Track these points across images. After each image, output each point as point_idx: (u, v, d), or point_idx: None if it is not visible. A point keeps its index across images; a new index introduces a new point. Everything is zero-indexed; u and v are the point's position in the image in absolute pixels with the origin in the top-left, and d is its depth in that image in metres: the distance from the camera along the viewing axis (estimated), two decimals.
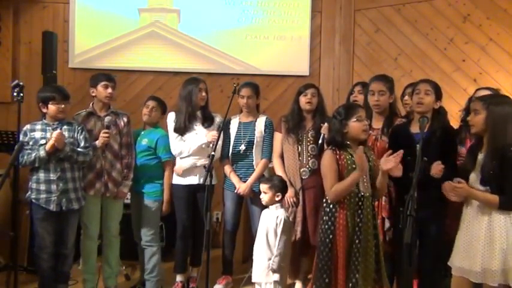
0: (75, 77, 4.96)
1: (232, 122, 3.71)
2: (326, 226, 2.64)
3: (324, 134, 3.25)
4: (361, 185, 2.64)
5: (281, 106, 4.59)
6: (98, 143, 3.24)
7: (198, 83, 3.54)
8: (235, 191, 3.60)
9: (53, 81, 4.14)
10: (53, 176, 3.05)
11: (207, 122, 3.58)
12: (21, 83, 2.89)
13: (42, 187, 3.04)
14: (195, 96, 3.50)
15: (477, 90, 3.26)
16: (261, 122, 3.66)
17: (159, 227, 3.68)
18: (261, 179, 3.42)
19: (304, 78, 4.79)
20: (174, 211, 3.63)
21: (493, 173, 2.36)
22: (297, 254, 3.45)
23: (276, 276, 3.02)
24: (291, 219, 3.32)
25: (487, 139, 2.44)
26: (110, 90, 3.32)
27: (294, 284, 3.65)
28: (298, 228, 3.43)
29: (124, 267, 3.87)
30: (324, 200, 2.71)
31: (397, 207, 2.97)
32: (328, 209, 2.66)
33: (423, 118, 2.69)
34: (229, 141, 3.67)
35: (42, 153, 2.98)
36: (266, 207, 3.18)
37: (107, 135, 3.24)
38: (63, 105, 3.09)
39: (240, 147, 3.62)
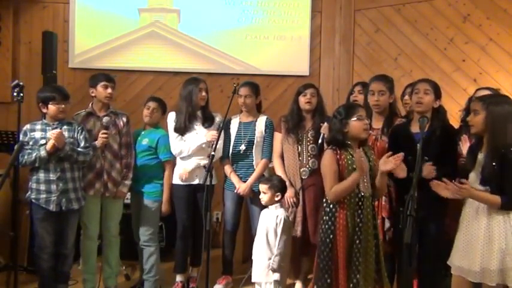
0: (75, 77, 4.96)
1: (232, 121, 3.72)
2: (326, 226, 2.64)
3: (323, 134, 3.25)
4: (361, 185, 2.64)
5: (281, 106, 4.59)
6: (97, 143, 3.24)
7: (198, 83, 3.54)
8: (235, 191, 3.60)
9: (53, 81, 4.14)
10: (52, 176, 3.05)
11: (208, 122, 3.58)
12: (21, 83, 2.89)
13: (42, 187, 3.05)
14: (195, 96, 3.50)
15: (477, 90, 3.26)
16: (261, 122, 3.66)
17: (159, 227, 3.68)
18: (260, 179, 3.42)
19: (304, 78, 4.79)
20: (174, 211, 3.63)
21: (493, 173, 2.36)
22: (297, 254, 3.45)
23: (276, 276, 3.02)
24: (291, 219, 3.32)
25: (486, 139, 2.44)
26: (109, 90, 3.32)
27: (294, 284, 3.65)
28: (299, 228, 3.43)
29: (124, 267, 3.87)
30: (324, 200, 2.71)
31: (397, 207, 2.97)
32: (328, 209, 2.66)
33: (423, 118, 2.69)
34: (230, 141, 3.67)
35: (42, 153, 2.98)
36: (266, 207, 3.18)
37: (105, 135, 3.24)
38: (63, 105, 3.09)
39: (240, 147, 3.62)
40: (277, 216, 3.07)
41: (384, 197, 3.02)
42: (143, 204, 3.49)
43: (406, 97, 3.53)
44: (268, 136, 3.63)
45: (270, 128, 3.65)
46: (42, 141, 3.03)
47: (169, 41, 5.06)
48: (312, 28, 5.08)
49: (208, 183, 3.09)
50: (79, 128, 3.18)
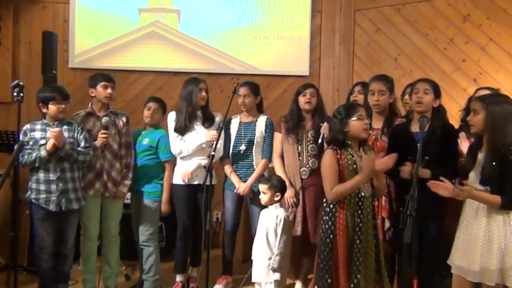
0: (75, 77, 4.96)
1: (232, 121, 3.72)
2: (326, 226, 2.64)
3: (323, 134, 3.25)
4: (361, 185, 2.64)
5: (281, 106, 4.59)
6: (96, 143, 3.24)
7: (199, 83, 3.54)
8: (235, 191, 3.60)
9: (53, 81, 4.14)
10: (52, 176, 3.05)
11: (208, 122, 3.58)
12: (21, 83, 2.89)
13: (42, 187, 3.04)
14: (196, 96, 3.50)
15: (477, 90, 3.26)
16: (261, 122, 3.66)
17: (159, 227, 3.68)
18: (260, 179, 3.42)
19: (304, 78, 4.79)
20: (174, 211, 3.63)
21: (493, 173, 2.36)
22: (297, 254, 3.45)
23: (277, 276, 3.02)
24: (290, 219, 3.32)
25: (486, 139, 2.44)
26: (109, 90, 3.32)
27: (294, 284, 3.65)
28: (299, 228, 3.43)
29: (124, 267, 3.87)
30: (324, 200, 2.71)
31: (397, 207, 2.97)
32: (328, 209, 2.66)
33: (423, 118, 2.69)
34: (230, 141, 3.67)
35: (43, 153, 2.98)
36: (266, 207, 3.18)
37: (105, 135, 3.24)
38: (63, 106, 3.09)
39: (241, 147, 3.62)
40: (277, 216, 3.07)
41: (383, 197, 3.02)
42: (143, 204, 3.49)
43: (406, 97, 3.53)
44: (268, 136, 3.63)
45: (270, 128, 3.65)
46: (42, 141, 3.03)
47: (169, 41, 5.06)
48: (312, 28, 5.08)
49: (208, 183, 3.09)
50: (79, 128, 3.18)
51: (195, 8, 5.06)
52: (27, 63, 4.93)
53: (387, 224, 3.06)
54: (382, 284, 2.66)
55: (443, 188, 2.40)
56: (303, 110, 3.51)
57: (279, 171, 3.51)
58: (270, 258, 3.03)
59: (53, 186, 3.04)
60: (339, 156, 2.63)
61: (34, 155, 2.99)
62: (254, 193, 3.50)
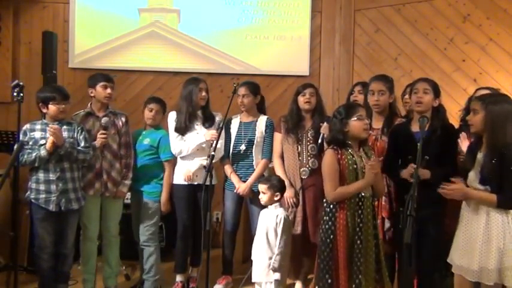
0: (75, 77, 4.96)
1: (233, 121, 3.72)
2: (327, 226, 2.64)
3: (323, 134, 3.25)
4: None
5: (281, 106, 4.59)
6: (96, 143, 3.24)
7: (199, 83, 3.54)
8: (235, 191, 3.60)
9: (53, 81, 4.14)
10: (52, 176, 3.05)
11: (208, 121, 3.58)
12: (21, 83, 2.89)
13: (42, 187, 3.04)
14: (196, 96, 3.50)
15: (477, 90, 3.26)
16: (261, 122, 3.66)
17: (159, 227, 3.67)
18: (260, 179, 3.42)
19: (304, 78, 4.79)
20: (174, 211, 3.63)
21: (492, 172, 2.36)
22: (297, 254, 3.45)
23: (277, 275, 3.02)
24: (290, 218, 3.32)
25: (486, 138, 2.44)
26: (109, 90, 3.32)
27: (294, 284, 3.65)
28: (299, 228, 3.43)
29: (124, 267, 3.87)
30: (325, 200, 2.71)
31: (397, 207, 2.97)
32: (328, 209, 2.66)
33: (423, 118, 2.69)
34: (230, 141, 3.67)
35: (43, 152, 2.98)
36: (266, 207, 3.18)
37: (104, 136, 3.24)
38: (63, 106, 3.09)
39: (241, 147, 3.62)
40: (277, 215, 3.07)
41: (383, 197, 3.02)
42: (143, 204, 3.49)
43: (406, 96, 3.53)
44: (268, 136, 3.63)
45: (271, 128, 3.65)
46: (42, 141, 3.03)
47: (169, 41, 5.06)
48: (312, 28, 5.08)
49: (208, 183, 3.09)
50: (79, 128, 3.18)
51: (195, 8, 5.06)
52: (27, 63, 4.93)
53: (387, 224, 3.06)
54: (382, 283, 2.66)
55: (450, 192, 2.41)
56: (303, 110, 3.51)
57: (279, 172, 3.51)
58: (270, 258, 3.03)
59: (53, 186, 3.04)
60: (339, 156, 2.63)
61: (34, 154, 2.99)
62: (254, 193, 3.50)
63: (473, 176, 2.48)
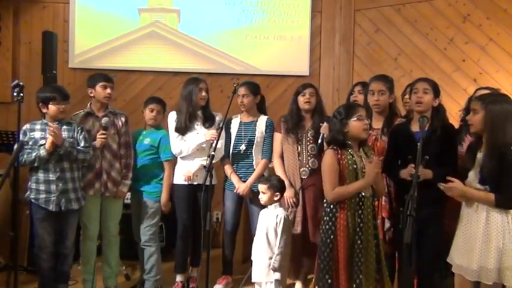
0: (75, 77, 4.96)
1: (233, 121, 3.72)
2: (327, 226, 2.64)
3: (323, 134, 3.25)
4: None
5: (281, 106, 4.59)
6: (95, 143, 3.24)
7: (199, 83, 3.54)
8: (235, 191, 3.60)
9: (53, 81, 4.14)
10: (52, 176, 3.05)
11: (208, 121, 3.58)
12: (21, 83, 2.89)
13: (42, 187, 3.04)
14: (195, 96, 3.50)
15: (477, 90, 3.26)
16: (262, 122, 3.66)
17: (159, 227, 3.67)
18: (259, 179, 3.42)
19: (304, 78, 4.79)
20: (174, 211, 3.63)
21: (492, 172, 2.36)
22: (297, 254, 3.45)
23: (278, 275, 3.02)
24: (290, 218, 3.32)
25: (485, 138, 2.44)
26: (108, 90, 3.33)
27: (294, 284, 3.65)
28: (299, 228, 3.43)
29: (124, 267, 3.87)
30: (325, 201, 2.71)
31: (397, 207, 2.97)
32: (328, 210, 2.66)
33: (423, 118, 2.69)
34: (230, 141, 3.67)
35: (42, 152, 2.98)
36: (266, 207, 3.18)
37: (104, 136, 3.24)
38: (63, 106, 3.09)
39: (241, 147, 3.62)
40: (277, 215, 3.07)
41: (383, 197, 3.03)
42: (144, 204, 3.49)
43: (407, 96, 3.53)
44: (268, 136, 3.63)
45: (271, 128, 3.65)
46: (42, 141, 3.03)
47: (169, 41, 5.06)
48: (312, 28, 5.08)
49: (208, 183, 3.09)
50: (78, 128, 3.18)
51: (195, 8, 5.06)
52: (27, 63, 4.93)
53: (387, 224, 3.06)
54: (382, 283, 2.66)
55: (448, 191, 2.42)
56: (303, 110, 3.51)
57: (279, 172, 3.51)
58: (270, 258, 3.03)
59: (53, 186, 3.04)
60: (339, 156, 2.63)
61: (34, 154, 2.99)
62: (254, 193, 3.50)
63: (473, 175, 2.48)
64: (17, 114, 2.87)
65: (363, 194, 2.63)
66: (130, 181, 3.43)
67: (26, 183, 3.14)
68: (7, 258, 3.58)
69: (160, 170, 3.55)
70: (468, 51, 4.44)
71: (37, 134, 3.06)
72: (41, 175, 3.05)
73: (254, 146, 3.61)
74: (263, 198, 3.14)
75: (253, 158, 3.61)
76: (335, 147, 2.66)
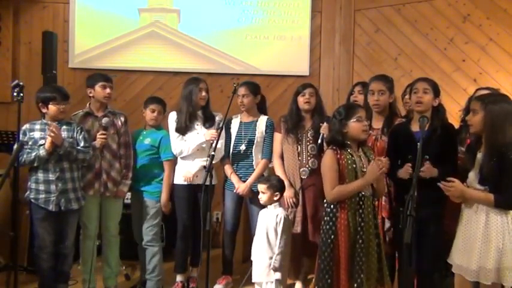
0: (75, 77, 4.96)
1: (233, 121, 3.72)
2: (327, 226, 2.64)
3: (323, 134, 3.25)
4: None
5: (281, 106, 4.59)
6: (95, 143, 3.24)
7: (199, 83, 3.54)
8: (235, 191, 3.60)
9: (53, 81, 4.14)
10: (52, 176, 3.05)
11: (209, 121, 3.58)
12: (21, 83, 2.88)
13: (41, 187, 3.04)
14: (196, 96, 3.50)
15: (477, 90, 3.26)
16: (262, 122, 3.66)
17: (160, 227, 3.67)
18: (259, 179, 3.42)
19: (304, 78, 4.79)
20: (175, 211, 3.63)
21: (491, 172, 2.36)
22: (297, 254, 3.45)
23: (278, 275, 3.02)
24: (290, 218, 3.32)
25: (485, 138, 2.44)
26: (108, 90, 3.33)
27: (294, 284, 3.65)
28: (299, 228, 3.43)
29: (124, 267, 3.87)
30: (325, 201, 2.71)
31: (397, 207, 2.97)
32: (329, 209, 2.66)
33: (423, 118, 2.69)
34: (230, 141, 3.67)
35: (42, 152, 2.98)
36: (266, 207, 3.18)
37: (104, 136, 3.24)
38: (63, 106, 3.09)
39: (241, 147, 3.62)
40: (277, 215, 3.07)
41: (383, 197, 3.03)
42: (145, 204, 3.49)
43: (407, 96, 3.52)
44: (268, 136, 3.63)
45: (271, 128, 3.65)
46: (42, 141, 3.03)
47: (169, 41, 5.06)
48: (312, 28, 5.08)
49: (208, 183, 3.09)
50: (78, 128, 3.18)
51: (195, 8, 5.06)
52: (27, 63, 4.93)
53: (387, 224, 3.06)
54: (383, 283, 2.66)
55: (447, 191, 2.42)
56: (302, 110, 3.51)
57: (279, 172, 3.51)
58: (270, 258, 3.03)
59: (53, 186, 3.04)
60: (338, 156, 2.63)
61: (33, 154, 2.99)
62: (254, 193, 3.50)
63: (473, 176, 2.48)
64: (17, 114, 2.87)
65: (363, 193, 2.64)
66: (130, 181, 3.43)
67: (26, 183, 3.15)
68: (7, 258, 3.58)
69: (161, 170, 3.55)
70: (468, 51, 4.44)
71: (37, 134, 3.06)
72: (40, 175, 3.05)
73: (254, 146, 3.61)
74: (263, 198, 3.14)
75: (253, 158, 3.61)
76: (334, 147, 2.66)
